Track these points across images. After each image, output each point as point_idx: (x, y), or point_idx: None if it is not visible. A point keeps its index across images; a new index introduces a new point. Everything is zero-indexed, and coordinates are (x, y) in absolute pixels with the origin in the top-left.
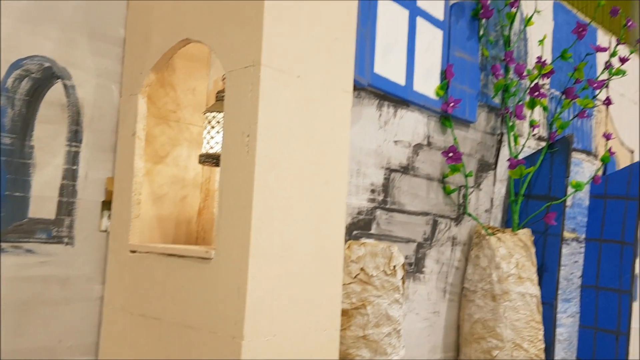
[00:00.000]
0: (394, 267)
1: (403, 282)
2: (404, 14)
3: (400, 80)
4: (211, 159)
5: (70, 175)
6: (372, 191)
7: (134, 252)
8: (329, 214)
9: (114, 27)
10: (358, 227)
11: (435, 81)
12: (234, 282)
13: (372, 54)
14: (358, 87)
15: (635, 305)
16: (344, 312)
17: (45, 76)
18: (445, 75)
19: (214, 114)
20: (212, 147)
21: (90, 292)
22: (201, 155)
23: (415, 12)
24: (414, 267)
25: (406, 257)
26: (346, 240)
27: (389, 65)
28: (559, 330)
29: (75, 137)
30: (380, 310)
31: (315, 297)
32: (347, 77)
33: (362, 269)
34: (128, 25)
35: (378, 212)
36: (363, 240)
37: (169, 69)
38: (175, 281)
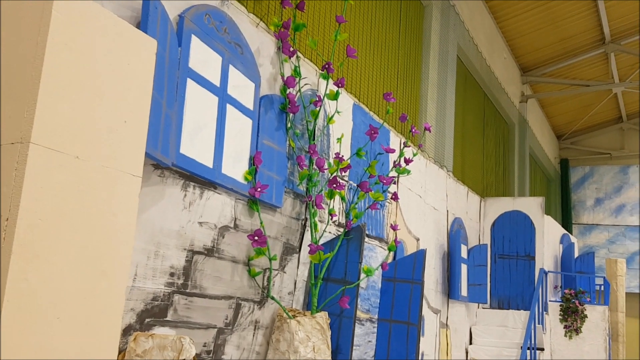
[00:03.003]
0: None
1: None
2: (213, 99)
3: (208, 162)
4: None
5: None
6: (172, 274)
7: None
8: (104, 307)
9: None
10: (151, 315)
11: (244, 166)
12: None
13: (179, 134)
14: (162, 167)
15: None
16: None
17: None
18: (253, 161)
19: None
20: None
21: None
22: None
23: (225, 100)
24: (212, 355)
25: (204, 345)
26: (134, 330)
27: (196, 147)
28: None
29: None
30: None
31: None
32: (137, 161)
33: None
34: None
35: (176, 297)
36: (154, 330)
37: None
38: None
